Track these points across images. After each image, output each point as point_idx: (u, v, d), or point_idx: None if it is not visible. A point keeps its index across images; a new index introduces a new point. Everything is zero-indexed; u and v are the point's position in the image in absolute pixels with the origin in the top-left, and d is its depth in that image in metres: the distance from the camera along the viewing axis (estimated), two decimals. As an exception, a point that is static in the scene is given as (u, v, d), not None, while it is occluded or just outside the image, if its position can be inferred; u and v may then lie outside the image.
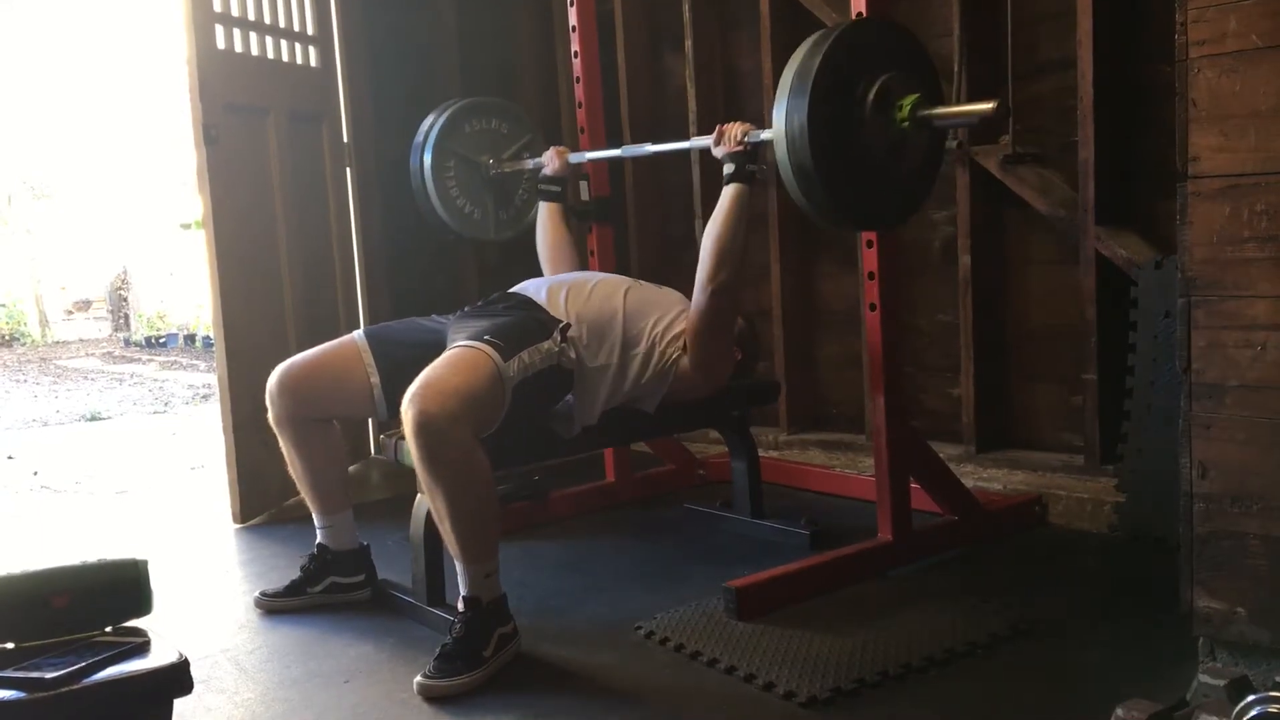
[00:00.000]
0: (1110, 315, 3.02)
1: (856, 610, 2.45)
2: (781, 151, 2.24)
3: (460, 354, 2.30)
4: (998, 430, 3.39)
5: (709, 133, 3.87)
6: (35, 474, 4.69)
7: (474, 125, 3.31)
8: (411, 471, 2.48)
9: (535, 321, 2.49)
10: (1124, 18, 2.97)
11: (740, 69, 4.02)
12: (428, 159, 3.23)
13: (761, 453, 3.30)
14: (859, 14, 2.53)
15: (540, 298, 2.60)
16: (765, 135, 2.48)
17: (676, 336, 2.63)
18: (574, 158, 3.16)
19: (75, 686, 1.74)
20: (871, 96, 2.25)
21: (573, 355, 2.47)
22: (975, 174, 3.26)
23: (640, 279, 2.87)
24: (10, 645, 1.87)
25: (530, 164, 3.27)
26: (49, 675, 1.74)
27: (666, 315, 2.65)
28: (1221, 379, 1.76)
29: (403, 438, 2.47)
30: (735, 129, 2.59)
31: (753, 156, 2.58)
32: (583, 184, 3.36)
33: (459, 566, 2.24)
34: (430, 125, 3.25)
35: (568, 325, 2.48)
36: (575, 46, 3.36)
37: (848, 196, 2.30)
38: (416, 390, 2.18)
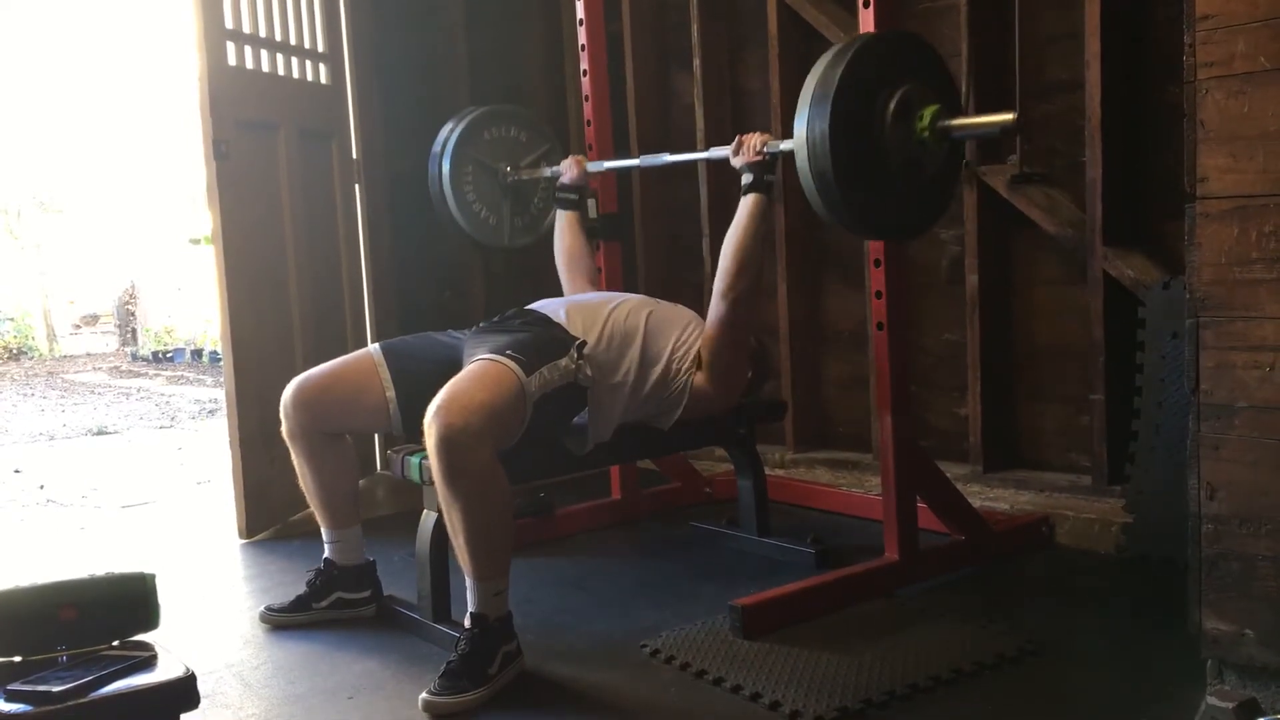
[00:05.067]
0: (1118, 335, 3.02)
1: (863, 630, 2.44)
2: (802, 160, 2.26)
3: (484, 368, 2.30)
4: (1005, 450, 3.38)
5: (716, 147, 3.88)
6: (42, 488, 4.70)
7: (493, 132, 3.32)
8: (418, 487, 2.49)
9: (553, 338, 2.49)
10: (1132, 39, 2.99)
11: (748, 89, 4.03)
12: (446, 165, 3.24)
13: (768, 471, 3.29)
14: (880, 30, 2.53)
15: (559, 316, 2.60)
16: (785, 146, 2.50)
17: (691, 353, 2.63)
18: (592, 166, 3.18)
19: (82, 700, 1.75)
20: (892, 107, 2.26)
21: (589, 373, 2.47)
22: (983, 194, 3.27)
23: (649, 295, 2.88)
24: (18, 659, 1.88)
25: (548, 172, 3.29)
26: (56, 689, 1.74)
27: (684, 333, 2.67)
28: (1230, 400, 1.76)
29: (409, 453, 2.49)
30: (754, 139, 2.61)
31: (771, 167, 2.60)
32: (590, 201, 3.37)
33: (469, 582, 2.24)
34: (449, 132, 3.27)
35: (584, 343, 2.49)
36: (584, 65, 3.38)
37: (868, 205, 2.32)
38: (441, 404, 2.17)
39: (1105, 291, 3.03)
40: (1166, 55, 2.85)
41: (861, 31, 2.55)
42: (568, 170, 3.17)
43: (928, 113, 2.29)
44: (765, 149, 2.59)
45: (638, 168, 3.28)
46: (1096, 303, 3.05)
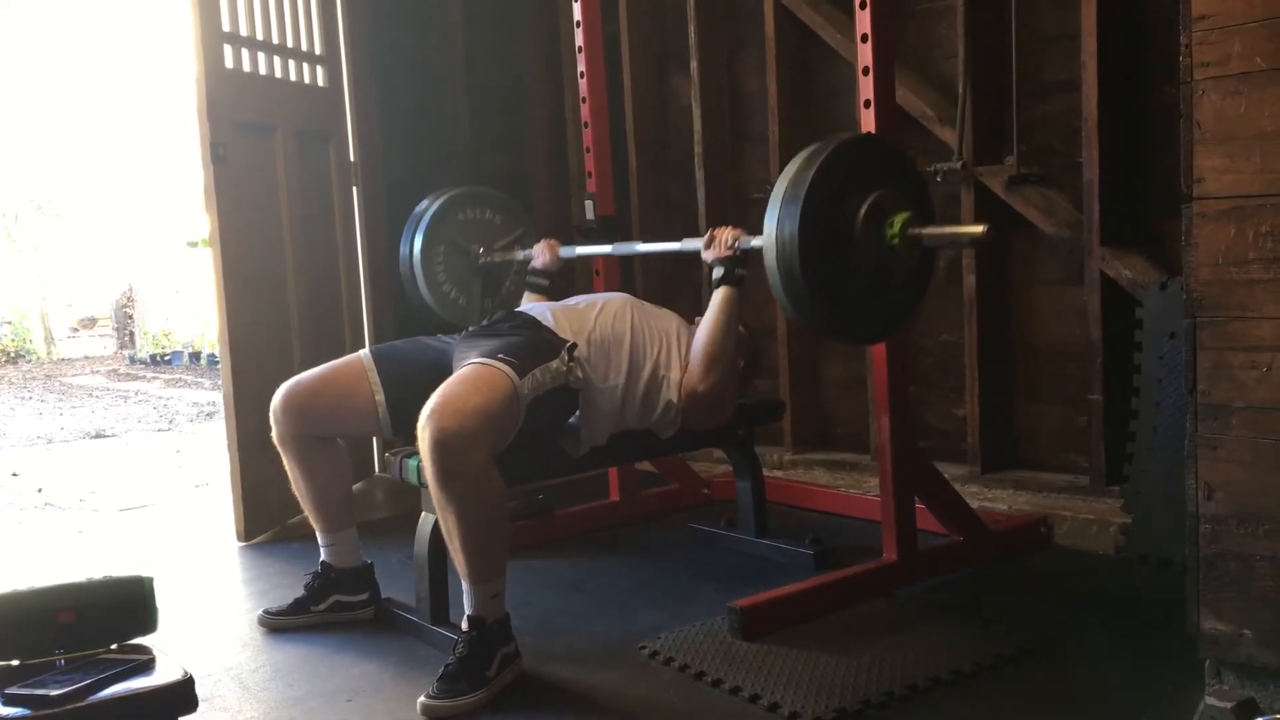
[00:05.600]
0: (1115, 336, 3.02)
1: (862, 630, 2.44)
2: (771, 260, 2.24)
3: (476, 371, 2.30)
4: (1003, 450, 3.39)
5: (712, 154, 3.91)
6: (40, 491, 4.70)
7: (467, 214, 3.33)
8: (416, 490, 2.49)
9: (543, 341, 2.49)
10: (1129, 39, 2.99)
11: (746, 90, 4.04)
12: (418, 243, 3.25)
13: (766, 472, 3.30)
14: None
15: (546, 319, 2.60)
16: (755, 242, 2.49)
17: (677, 383, 2.62)
18: (564, 252, 3.15)
19: (81, 704, 1.75)
20: (863, 212, 2.25)
21: (579, 375, 2.48)
22: (980, 195, 3.27)
23: (645, 298, 2.88)
24: (16, 662, 1.88)
25: (520, 255, 3.28)
26: (54, 693, 1.74)
27: (670, 352, 2.65)
28: (1227, 400, 1.76)
29: (408, 455, 2.49)
30: (726, 234, 2.61)
31: (743, 261, 2.59)
32: (588, 203, 3.37)
33: (465, 585, 2.24)
34: (423, 210, 3.28)
35: (574, 345, 2.49)
36: (582, 67, 3.38)
37: (835, 309, 2.30)
38: (434, 407, 2.17)
39: (1103, 292, 3.03)
40: (1163, 56, 2.85)
41: (858, 34, 2.56)
42: (540, 254, 3.15)
43: (898, 220, 2.28)
44: (737, 244, 2.58)
45: (609, 255, 3.24)
46: (1094, 303, 3.06)
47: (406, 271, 3.30)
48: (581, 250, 3.19)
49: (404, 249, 3.29)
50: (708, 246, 2.65)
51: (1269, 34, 1.66)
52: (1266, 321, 1.71)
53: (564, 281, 3.33)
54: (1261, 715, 1.71)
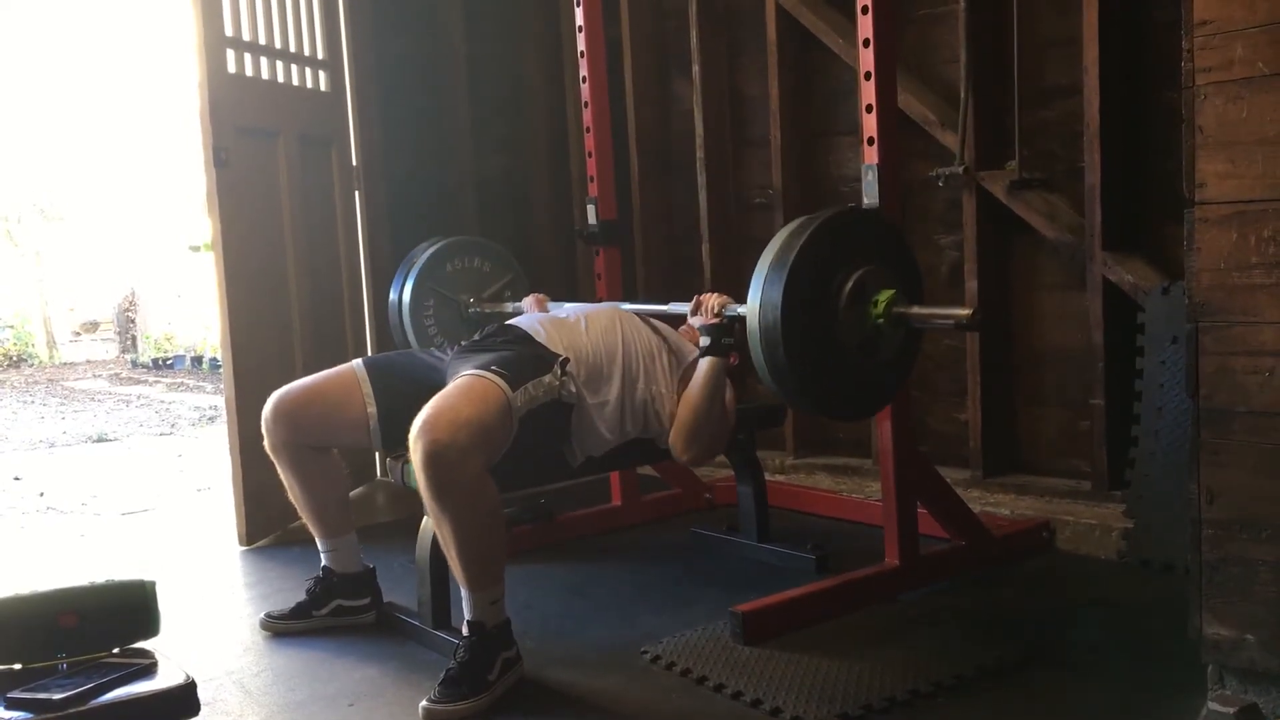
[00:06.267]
0: (1117, 341, 3.02)
1: (864, 635, 2.44)
2: (753, 327, 2.24)
3: (470, 383, 2.30)
4: (1005, 455, 3.39)
5: (714, 157, 3.91)
6: (42, 495, 4.70)
7: (455, 264, 3.34)
8: (417, 495, 2.48)
9: (535, 355, 2.48)
10: (1131, 44, 2.99)
11: (747, 94, 4.04)
12: (407, 296, 3.27)
13: (768, 477, 3.29)
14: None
15: (538, 334, 2.58)
16: (741, 310, 2.47)
17: (670, 410, 2.60)
18: (552, 307, 3.10)
19: (83, 708, 1.75)
20: (848, 289, 2.24)
21: (572, 389, 2.47)
22: (982, 199, 3.27)
23: (648, 300, 2.86)
24: (18, 666, 1.88)
25: (510, 307, 3.27)
26: (57, 696, 1.75)
27: (657, 369, 2.62)
28: (1229, 405, 1.76)
29: (408, 461, 2.48)
30: (713, 300, 2.58)
31: (729, 330, 2.53)
32: (590, 208, 3.38)
33: (464, 593, 2.24)
34: (412, 264, 3.29)
35: (567, 359, 2.48)
36: (584, 72, 3.38)
37: (815, 382, 2.28)
38: (427, 419, 2.16)
39: (1105, 296, 3.03)
40: (1165, 60, 2.85)
41: (859, 38, 2.56)
42: (529, 308, 3.14)
43: (883, 298, 2.27)
44: (724, 311, 2.55)
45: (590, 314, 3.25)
46: (1096, 308, 3.06)
47: (395, 324, 3.32)
48: (569, 307, 3.16)
49: (393, 299, 3.31)
50: (694, 312, 2.63)
51: (1271, 39, 1.67)
52: (1269, 326, 1.71)
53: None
54: (1264, 720, 1.70)
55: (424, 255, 3.29)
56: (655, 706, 2.16)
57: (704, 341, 2.55)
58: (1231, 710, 1.72)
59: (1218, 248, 1.75)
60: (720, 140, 4.07)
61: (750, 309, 2.25)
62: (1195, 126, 1.75)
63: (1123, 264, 2.99)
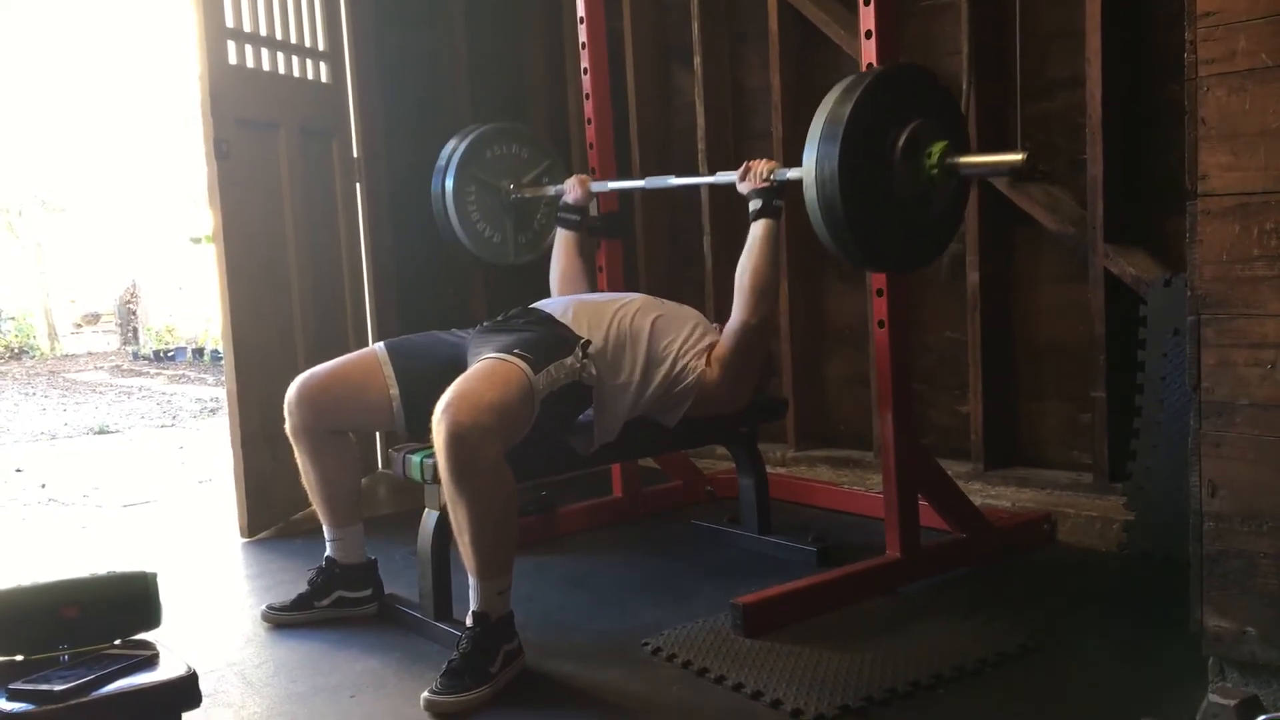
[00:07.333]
0: (1119, 333, 3.02)
1: (865, 627, 2.45)
2: (811, 195, 2.25)
3: (493, 366, 2.30)
4: (1006, 448, 3.38)
5: (716, 151, 3.90)
6: (43, 487, 4.70)
7: (495, 151, 3.31)
8: (419, 486, 2.49)
9: (558, 337, 2.49)
10: (1133, 36, 2.98)
11: (749, 86, 4.03)
12: (449, 184, 3.23)
13: (769, 469, 3.29)
14: (883, 61, 2.51)
15: (564, 316, 2.60)
16: (792, 174, 2.49)
17: (700, 351, 2.64)
18: (595, 186, 3.17)
19: (84, 699, 1.75)
20: (901, 144, 2.26)
21: (593, 372, 2.48)
22: (984, 191, 3.26)
23: (651, 293, 2.88)
24: (19, 657, 1.88)
25: (551, 190, 3.27)
26: (58, 688, 1.75)
27: (691, 332, 2.67)
28: (1231, 397, 1.76)
29: (410, 452, 2.49)
30: (762, 166, 2.62)
31: (779, 192, 2.59)
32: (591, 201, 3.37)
33: (472, 581, 2.24)
34: (452, 151, 3.25)
35: (589, 342, 2.49)
36: (585, 63, 3.37)
37: (875, 240, 2.32)
38: (450, 401, 2.17)
39: (1106, 289, 3.03)
40: (1167, 51, 2.84)
41: (861, 30, 2.55)
42: (571, 190, 3.15)
43: (936, 149, 2.29)
44: (773, 176, 2.59)
45: (642, 189, 3.25)
46: (1098, 300, 3.05)
47: (440, 213, 3.27)
48: (613, 185, 3.19)
49: (435, 188, 3.27)
50: (742, 179, 2.66)
51: (1274, 30, 1.66)
52: (1271, 319, 1.71)
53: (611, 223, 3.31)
54: (1264, 713, 1.70)
55: (464, 144, 3.25)
56: (656, 698, 2.17)
57: (755, 205, 2.59)
58: (1232, 703, 1.72)
59: (1220, 240, 1.74)
60: (722, 133, 4.06)
61: (806, 176, 2.26)
62: (1198, 118, 1.75)
63: (1124, 256, 2.98)
